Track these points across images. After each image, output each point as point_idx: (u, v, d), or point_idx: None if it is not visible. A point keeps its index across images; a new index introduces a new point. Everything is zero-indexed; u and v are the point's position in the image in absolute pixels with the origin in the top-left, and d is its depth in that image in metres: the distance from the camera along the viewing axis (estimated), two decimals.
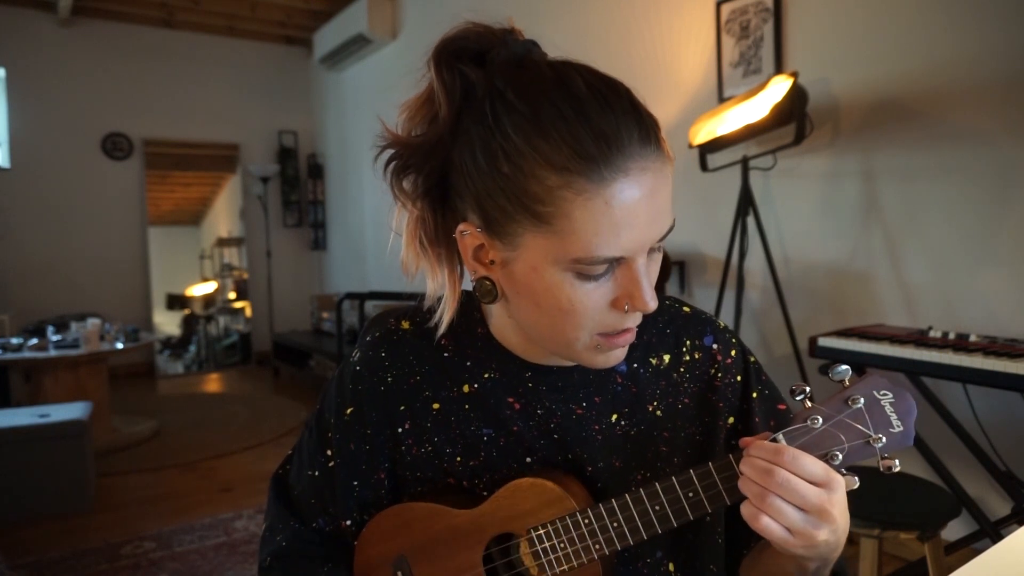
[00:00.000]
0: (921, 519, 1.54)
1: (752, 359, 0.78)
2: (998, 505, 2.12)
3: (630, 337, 0.65)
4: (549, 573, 0.68)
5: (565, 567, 0.68)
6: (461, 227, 0.64)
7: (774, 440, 0.60)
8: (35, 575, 2.41)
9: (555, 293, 0.61)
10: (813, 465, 0.57)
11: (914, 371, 1.85)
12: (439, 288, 0.70)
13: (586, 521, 0.66)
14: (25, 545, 2.64)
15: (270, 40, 6.49)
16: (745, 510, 0.59)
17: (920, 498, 1.62)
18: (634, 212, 0.57)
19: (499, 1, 4.09)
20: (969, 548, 1.99)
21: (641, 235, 0.58)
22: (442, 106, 0.62)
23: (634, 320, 0.63)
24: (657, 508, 0.64)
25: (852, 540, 2.05)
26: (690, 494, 0.63)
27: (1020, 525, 0.97)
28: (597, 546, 0.66)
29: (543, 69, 0.60)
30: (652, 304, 0.60)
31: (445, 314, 0.71)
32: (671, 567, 0.74)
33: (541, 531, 0.68)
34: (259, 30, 6.26)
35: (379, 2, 5.13)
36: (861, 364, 1.97)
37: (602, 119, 0.56)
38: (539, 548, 0.68)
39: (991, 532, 1.88)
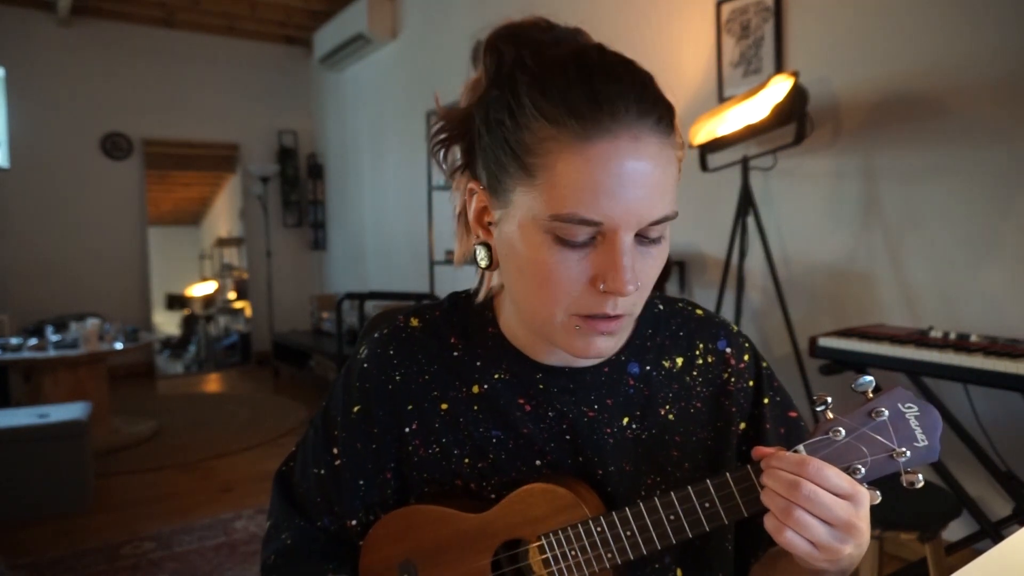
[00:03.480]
0: (922, 519, 1.54)
1: (764, 364, 0.78)
2: (999, 505, 2.11)
3: (613, 326, 0.63)
4: None
5: (576, 575, 0.66)
6: (471, 185, 0.67)
7: (795, 451, 0.59)
8: (35, 575, 2.41)
9: (535, 257, 0.60)
10: (838, 478, 0.56)
11: (914, 371, 1.85)
12: (485, 258, 0.71)
13: (599, 529, 0.64)
14: (25, 545, 2.64)
15: (270, 40, 6.49)
16: (768, 523, 0.57)
17: (920, 498, 1.62)
18: (617, 178, 0.56)
19: (499, 1, 4.09)
20: (970, 548, 1.98)
21: (623, 206, 0.57)
22: (482, 82, 0.66)
23: (612, 306, 0.61)
24: (672, 518, 0.62)
25: None
26: (706, 504, 0.61)
27: (1021, 525, 0.96)
28: (609, 555, 0.64)
29: (570, 44, 0.63)
30: (627, 288, 0.58)
31: (485, 284, 0.73)
32: (679, 573, 0.73)
33: (552, 538, 0.66)
34: (259, 30, 6.26)
35: (379, 2, 5.12)
36: (861, 364, 1.96)
37: (603, 85, 0.58)
38: (550, 555, 0.67)
39: (992, 532, 1.87)
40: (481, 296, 0.75)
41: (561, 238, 0.59)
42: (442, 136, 0.69)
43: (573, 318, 0.62)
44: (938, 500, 1.62)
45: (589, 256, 0.59)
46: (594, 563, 0.65)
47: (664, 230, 0.62)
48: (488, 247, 0.67)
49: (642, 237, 0.60)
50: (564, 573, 0.66)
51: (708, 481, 0.61)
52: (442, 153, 0.71)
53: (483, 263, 0.68)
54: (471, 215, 0.68)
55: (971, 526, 2.08)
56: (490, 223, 0.66)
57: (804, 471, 0.56)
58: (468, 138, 0.68)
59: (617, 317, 0.62)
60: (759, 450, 0.60)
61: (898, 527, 1.54)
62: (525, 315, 0.67)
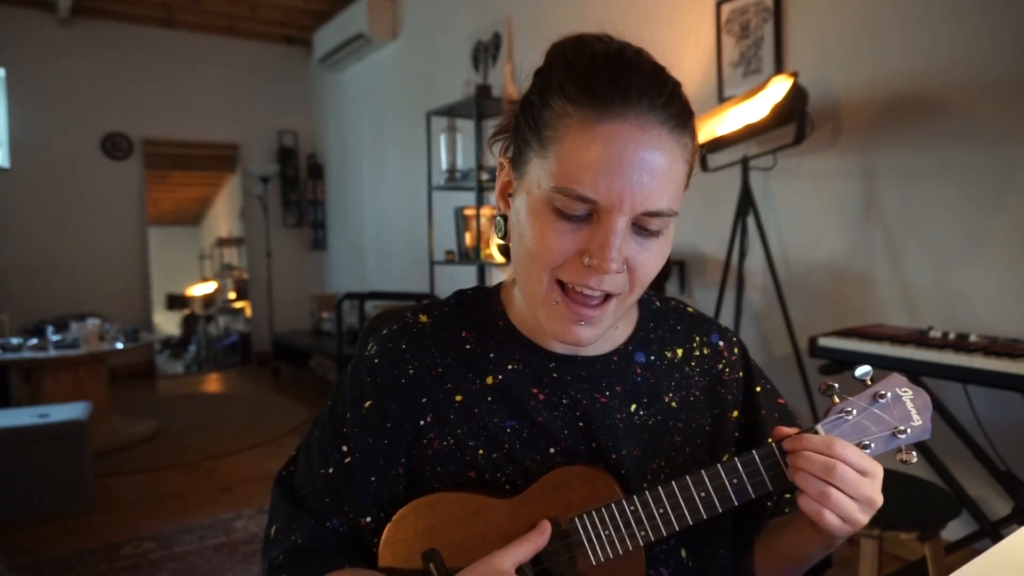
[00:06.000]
0: (921, 519, 1.54)
1: (750, 358, 0.84)
2: (998, 505, 2.11)
3: (590, 312, 0.66)
4: (593, 560, 0.68)
5: (610, 553, 0.68)
6: (501, 159, 0.73)
7: (814, 431, 0.65)
8: (35, 575, 2.41)
9: (534, 222, 0.64)
10: (859, 457, 0.62)
11: (914, 371, 1.85)
12: (502, 229, 0.76)
13: (632, 508, 0.68)
14: (25, 545, 2.64)
15: (270, 40, 6.49)
16: (807, 506, 0.62)
17: (920, 498, 1.62)
18: (618, 160, 0.60)
19: (500, 2, 4.09)
20: (969, 548, 1.98)
21: (621, 188, 0.60)
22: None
23: (597, 281, 0.63)
24: (703, 495, 0.66)
25: (852, 540, 2.05)
26: (735, 480, 0.66)
27: (1020, 525, 0.97)
28: (643, 533, 0.67)
29: (612, 45, 0.67)
30: (612, 266, 0.61)
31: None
32: (683, 553, 0.75)
33: (587, 519, 0.69)
34: (259, 30, 6.26)
35: (379, 2, 5.12)
36: (862, 364, 1.96)
37: (623, 75, 0.62)
38: (583, 537, 0.69)
39: (991, 532, 1.87)
40: (509, 277, 0.79)
41: (560, 210, 0.62)
42: (499, 128, 0.75)
43: (555, 290, 0.65)
44: (938, 500, 1.62)
45: (583, 231, 0.63)
46: (628, 541, 0.68)
47: (664, 226, 0.64)
48: (507, 219, 0.72)
49: (640, 228, 0.63)
50: (598, 552, 0.69)
51: (736, 459, 0.66)
52: (497, 143, 0.76)
53: (499, 233, 0.72)
54: (497, 189, 0.73)
55: (971, 526, 2.08)
56: (511, 195, 0.71)
57: (833, 451, 0.61)
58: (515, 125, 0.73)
59: (597, 306, 0.65)
60: (780, 430, 0.66)
61: (898, 527, 1.54)
62: (522, 287, 0.70)
